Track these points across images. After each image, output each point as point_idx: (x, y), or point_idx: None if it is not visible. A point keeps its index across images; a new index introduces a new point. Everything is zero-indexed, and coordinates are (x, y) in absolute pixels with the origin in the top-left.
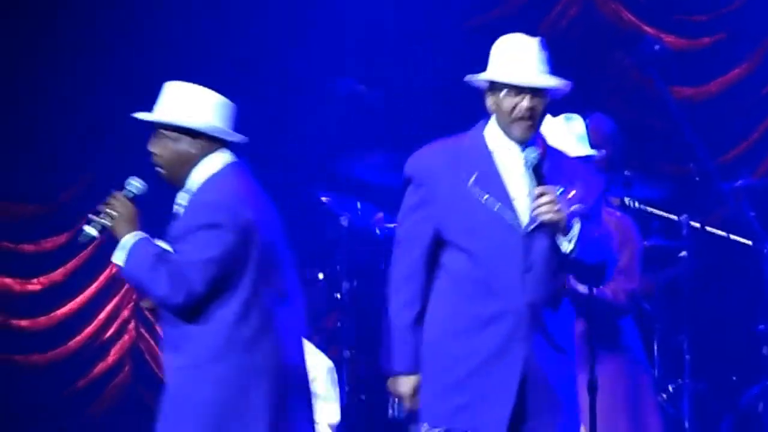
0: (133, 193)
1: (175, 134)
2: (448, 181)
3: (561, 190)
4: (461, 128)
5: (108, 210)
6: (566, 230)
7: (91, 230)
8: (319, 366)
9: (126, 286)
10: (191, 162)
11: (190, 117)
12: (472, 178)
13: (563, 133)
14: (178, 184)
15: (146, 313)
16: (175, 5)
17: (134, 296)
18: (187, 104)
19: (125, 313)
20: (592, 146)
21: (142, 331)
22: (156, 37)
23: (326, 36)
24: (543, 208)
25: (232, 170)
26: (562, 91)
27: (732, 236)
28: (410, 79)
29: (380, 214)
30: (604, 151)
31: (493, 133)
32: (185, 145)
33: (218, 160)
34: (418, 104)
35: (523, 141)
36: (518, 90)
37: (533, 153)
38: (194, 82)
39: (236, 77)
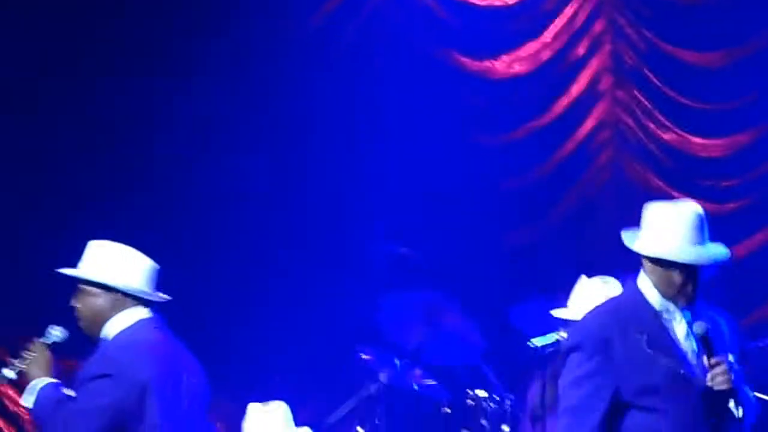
0: (51, 340)
1: (95, 290)
2: (622, 346)
3: (732, 358)
4: (499, 287)
5: (25, 354)
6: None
7: (9, 373)
8: None
9: None
10: (105, 317)
11: (107, 274)
12: (644, 340)
13: (599, 294)
14: (93, 336)
15: None
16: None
17: None
18: (108, 262)
19: None
20: None
21: None
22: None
23: (369, 193)
24: (718, 379)
25: (142, 326)
26: None
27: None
28: (450, 240)
29: (418, 371)
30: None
31: (652, 294)
32: (102, 300)
33: (131, 316)
34: (457, 264)
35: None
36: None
37: (702, 327)
38: (236, 233)
39: (277, 231)
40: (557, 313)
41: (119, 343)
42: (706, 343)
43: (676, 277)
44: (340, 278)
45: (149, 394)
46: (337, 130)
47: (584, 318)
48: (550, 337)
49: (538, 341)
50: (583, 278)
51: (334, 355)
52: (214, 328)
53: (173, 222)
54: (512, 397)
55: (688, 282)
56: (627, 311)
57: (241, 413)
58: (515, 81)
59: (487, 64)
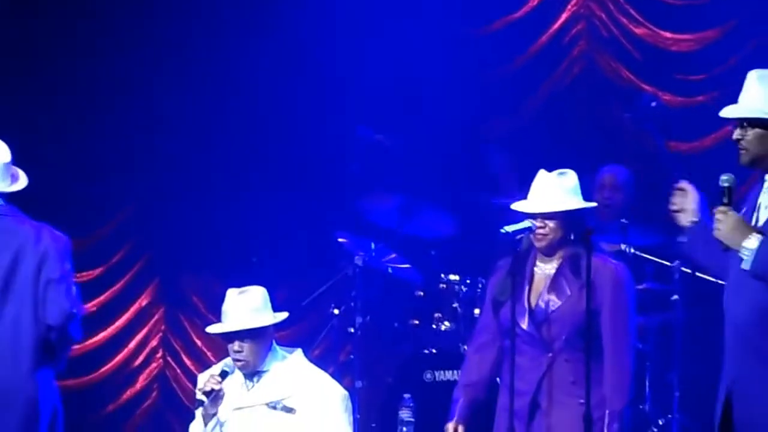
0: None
1: None
2: None
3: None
4: (475, 176)
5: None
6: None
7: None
8: (333, 395)
9: (155, 318)
10: None
11: None
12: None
13: (555, 187)
14: None
15: (173, 342)
16: (196, 56)
17: (162, 327)
18: None
19: (153, 343)
20: (609, 191)
21: (169, 359)
22: (183, 85)
23: (348, 84)
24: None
25: None
26: None
27: (720, 281)
28: (426, 128)
29: (393, 255)
30: (595, 203)
31: None
32: None
33: None
34: (431, 151)
35: None
36: None
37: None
38: (218, 127)
39: (260, 123)
40: (517, 206)
41: None
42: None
43: None
44: (319, 164)
45: None
46: (318, 19)
47: None
48: (522, 224)
49: (509, 228)
50: (541, 172)
51: (311, 238)
52: (195, 213)
53: (161, 110)
54: (483, 281)
55: None
56: None
57: (223, 290)
58: None
59: None
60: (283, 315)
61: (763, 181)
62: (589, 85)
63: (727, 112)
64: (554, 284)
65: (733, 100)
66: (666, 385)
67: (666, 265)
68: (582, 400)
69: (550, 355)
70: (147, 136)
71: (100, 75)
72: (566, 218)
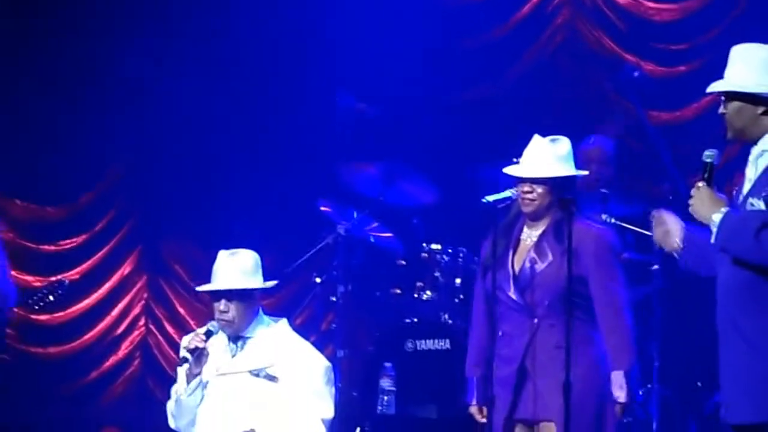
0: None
1: None
2: None
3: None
4: (455, 144)
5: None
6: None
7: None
8: (316, 366)
9: (137, 286)
10: None
11: None
12: None
13: (546, 153)
14: None
15: (156, 311)
16: (184, 15)
17: (145, 295)
18: None
19: (136, 311)
20: (597, 165)
21: (152, 327)
22: (167, 49)
23: (329, 53)
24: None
25: None
26: None
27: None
28: (407, 96)
29: (375, 224)
30: (587, 172)
31: None
32: None
33: None
34: (413, 120)
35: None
36: None
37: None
38: (201, 92)
39: (242, 91)
40: (508, 170)
41: None
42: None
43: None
44: (301, 133)
45: None
46: None
47: None
48: (504, 193)
49: (491, 197)
50: (536, 137)
51: (293, 207)
52: (178, 181)
53: (143, 80)
54: (464, 250)
55: None
56: None
57: (205, 259)
58: None
59: None
60: (272, 282)
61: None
62: (572, 55)
63: (711, 87)
64: (537, 249)
65: (715, 70)
66: (646, 355)
67: (646, 234)
68: (566, 365)
69: (535, 321)
70: (130, 105)
71: (82, 43)
72: (554, 184)
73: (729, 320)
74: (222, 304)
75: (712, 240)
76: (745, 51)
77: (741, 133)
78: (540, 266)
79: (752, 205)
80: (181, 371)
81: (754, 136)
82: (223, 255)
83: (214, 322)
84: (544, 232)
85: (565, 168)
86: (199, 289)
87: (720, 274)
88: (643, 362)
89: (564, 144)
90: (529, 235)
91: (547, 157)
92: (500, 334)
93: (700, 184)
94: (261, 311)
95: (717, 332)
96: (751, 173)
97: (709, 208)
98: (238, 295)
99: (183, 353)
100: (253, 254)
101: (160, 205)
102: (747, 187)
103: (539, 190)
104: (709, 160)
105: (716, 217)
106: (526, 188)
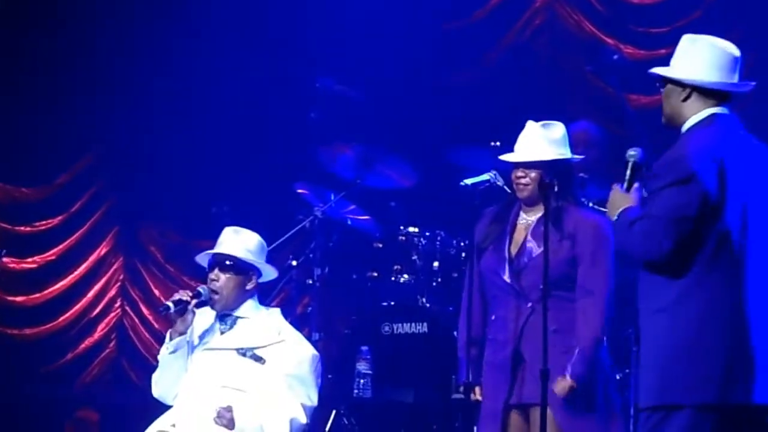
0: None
1: None
2: None
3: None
4: (432, 127)
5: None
6: None
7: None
8: (304, 354)
9: (114, 267)
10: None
11: None
12: None
13: (539, 137)
14: None
15: (132, 293)
16: (158, 7)
17: (121, 277)
18: None
19: (112, 292)
20: (582, 148)
21: (127, 308)
22: (144, 32)
23: (310, 36)
24: None
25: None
26: None
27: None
28: (386, 79)
29: (352, 206)
30: (582, 156)
31: None
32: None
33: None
34: (392, 103)
35: None
36: None
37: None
38: (179, 78)
39: (221, 73)
40: (505, 157)
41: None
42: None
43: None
44: (279, 115)
45: None
46: None
47: None
48: (482, 177)
49: (469, 180)
50: (529, 123)
51: (270, 189)
52: (156, 163)
53: (122, 64)
54: (442, 233)
55: None
56: None
57: (179, 245)
58: None
59: None
60: (270, 268)
61: None
62: (551, 38)
63: (653, 69)
64: (534, 234)
65: None
66: (623, 340)
67: None
68: (564, 349)
69: (530, 305)
70: (107, 87)
71: (60, 25)
72: (548, 168)
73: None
74: (214, 272)
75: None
76: (687, 41)
77: (669, 118)
78: (537, 251)
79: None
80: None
81: (678, 124)
82: (228, 230)
83: (204, 286)
84: (541, 217)
85: (559, 152)
86: (198, 258)
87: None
88: (621, 347)
89: (557, 128)
90: (526, 219)
91: (539, 141)
92: (493, 318)
93: (614, 185)
94: (256, 297)
95: None
96: None
97: (614, 209)
98: (233, 267)
99: (168, 302)
100: (258, 237)
101: (136, 187)
102: None
103: (532, 174)
104: (631, 160)
105: (614, 218)
106: (520, 173)
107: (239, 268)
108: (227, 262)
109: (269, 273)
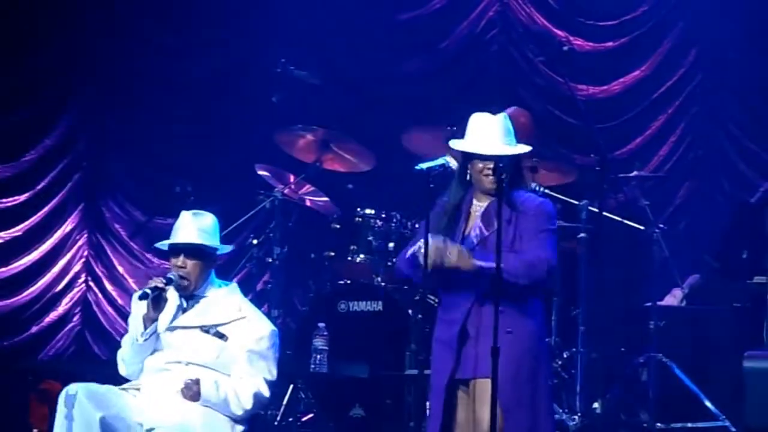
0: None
1: None
2: None
3: None
4: (388, 113)
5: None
6: None
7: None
8: (263, 329)
9: (78, 243)
10: None
11: None
12: None
13: (501, 131)
14: None
15: (96, 268)
16: None
17: (85, 253)
18: None
19: (77, 268)
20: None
21: (92, 284)
22: (113, 12)
23: (272, 21)
24: None
25: None
26: None
27: (626, 221)
28: (345, 66)
29: (310, 188)
30: (530, 148)
31: None
32: None
33: None
34: (351, 89)
35: None
36: None
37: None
38: (148, 61)
39: (184, 55)
40: (454, 144)
41: None
42: None
43: None
44: (241, 97)
45: None
46: None
47: None
48: (437, 161)
49: (424, 164)
50: (485, 115)
51: (231, 170)
52: (120, 142)
53: (89, 38)
54: (398, 215)
55: None
56: None
57: (144, 219)
58: None
59: None
60: (229, 247)
61: None
62: (503, 29)
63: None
64: (484, 217)
65: (641, 47)
66: (571, 320)
67: (574, 203)
68: (509, 329)
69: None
70: (73, 68)
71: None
72: (511, 160)
73: None
74: (180, 260)
75: None
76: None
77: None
78: (485, 233)
79: None
80: (137, 318)
81: None
82: (186, 214)
83: (174, 273)
84: (492, 202)
85: (520, 145)
86: (158, 245)
87: None
88: (568, 327)
89: (507, 119)
90: (478, 206)
91: (502, 134)
92: (442, 299)
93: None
94: (213, 273)
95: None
96: None
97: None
98: (196, 252)
99: (146, 289)
100: (213, 217)
101: (102, 166)
102: None
103: (491, 166)
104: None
105: None
106: (487, 166)
107: (203, 252)
108: (191, 249)
109: (225, 249)
